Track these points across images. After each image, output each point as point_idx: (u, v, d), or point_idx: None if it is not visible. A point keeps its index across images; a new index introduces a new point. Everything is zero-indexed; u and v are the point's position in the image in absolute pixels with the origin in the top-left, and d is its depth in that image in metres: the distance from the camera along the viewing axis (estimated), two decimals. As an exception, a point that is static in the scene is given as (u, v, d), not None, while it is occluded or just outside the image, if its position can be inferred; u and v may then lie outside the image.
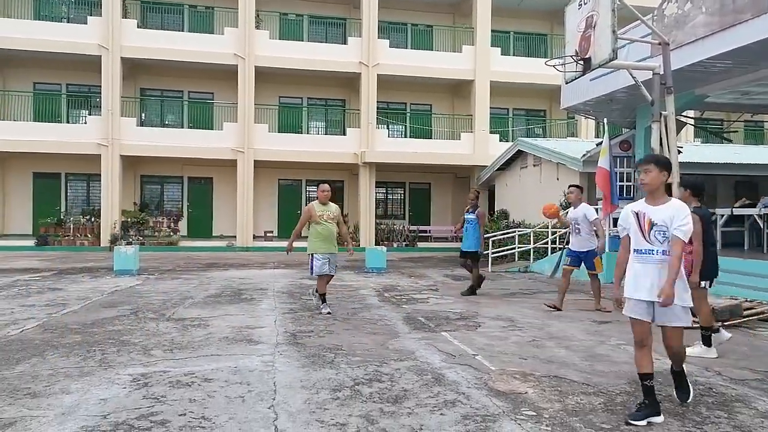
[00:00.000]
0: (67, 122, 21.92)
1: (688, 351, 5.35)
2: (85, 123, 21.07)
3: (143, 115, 22.99)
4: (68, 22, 21.75)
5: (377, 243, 21.21)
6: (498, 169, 20.31)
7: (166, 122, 23.42)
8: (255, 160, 21.48)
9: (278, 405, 4.09)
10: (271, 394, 4.32)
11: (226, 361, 5.27)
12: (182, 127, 22.77)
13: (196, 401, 4.16)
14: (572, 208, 8.51)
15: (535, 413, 3.98)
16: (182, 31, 22.46)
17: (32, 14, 21.65)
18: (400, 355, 5.54)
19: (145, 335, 6.37)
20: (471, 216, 9.73)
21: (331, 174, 23.93)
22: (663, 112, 8.84)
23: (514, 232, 16.03)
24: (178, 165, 22.56)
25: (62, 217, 21.43)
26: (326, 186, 8.13)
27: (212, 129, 22.17)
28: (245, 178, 21.38)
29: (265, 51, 21.52)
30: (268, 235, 22.63)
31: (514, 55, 24.65)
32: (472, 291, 9.81)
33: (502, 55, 23.60)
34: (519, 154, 18.80)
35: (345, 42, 22.96)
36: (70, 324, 6.96)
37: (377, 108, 22.50)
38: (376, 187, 22.73)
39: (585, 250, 8.24)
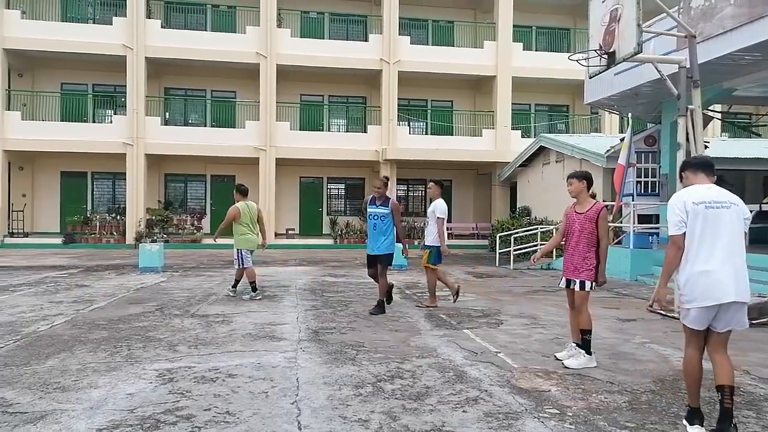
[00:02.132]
0: (93, 122, 22.29)
1: (570, 363, 5.04)
2: (111, 122, 21.41)
3: (167, 114, 23.29)
4: (94, 23, 22.09)
5: (398, 240, 21.20)
6: (520, 166, 20.16)
7: (190, 121, 23.70)
8: (277, 158, 21.62)
9: (301, 401, 4.12)
10: (294, 390, 4.36)
11: (250, 357, 5.33)
12: (205, 126, 23.02)
13: (220, 396, 4.21)
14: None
15: (558, 411, 3.95)
16: (205, 30, 22.70)
17: (59, 16, 22.04)
18: (422, 352, 5.54)
19: (170, 331, 6.47)
20: (382, 209, 7.62)
21: (352, 171, 24.00)
22: (689, 107, 8.69)
23: (536, 228, 15.90)
24: (202, 163, 22.80)
25: (89, 215, 21.82)
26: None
27: (235, 127, 22.36)
28: (267, 175, 21.54)
29: (286, 49, 21.63)
30: (290, 232, 22.77)
31: (536, 50, 24.43)
32: (382, 307, 7.69)
33: (524, 50, 23.40)
34: (541, 150, 18.63)
35: (366, 39, 22.98)
36: (97, 320, 7.10)
37: (398, 105, 22.48)
38: (397, 184, 22.72)
39: (429, 244, 8.12)
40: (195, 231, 21.62)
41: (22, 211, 21.69)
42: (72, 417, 3.78)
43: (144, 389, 4.37)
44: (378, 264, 7.67)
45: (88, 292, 9.50)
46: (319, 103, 24.31)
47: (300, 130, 22.81)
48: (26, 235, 21.19)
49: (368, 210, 7.72)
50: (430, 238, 8.11)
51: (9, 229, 20.86)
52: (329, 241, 21.51)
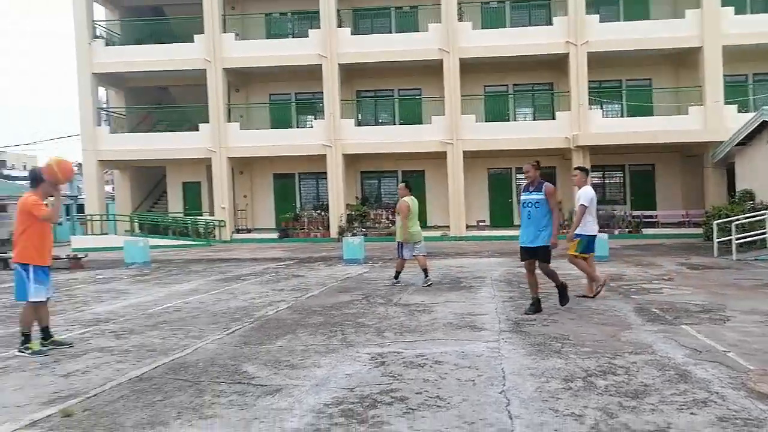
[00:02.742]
0: (297, 127, 24.47)
1: None
2: (312, 127, 23.34)
3: (360, 115, 24.72)
4: (293, 36, 24.22)
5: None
6: (737, 145, 17.77)
7: (380, 120, 24.89)
8: (464, 151, 21.77)
9: (509, 391, 4.11)
10: (500, 380, 4.36)
11: (453, 346, 5.45)
12: (394, 124, 23.98)
13: (429, 381, 4.37)
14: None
15: (813, 421, 3.44)
16: (390, 32, 23.58)
17: (265, 34, 24.54)
18: (635, 348, 5.19)
19: (377, 318, 6.88)
20: (535, 196, 6.86)
21: (541, 160, 23.27)
22: None
23: (763, 214, 13.92)
24: (393, 160, 23.81)
25: (298, 212, 24.10)
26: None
27: (422, 123, 22.95)
28: (455, 169, 21.80)
29: (468, 42, 21.64)
30: (480, 224, 22.81)
31: (752, 12, 21.37)
32: (564, 295, 7.15)
33: (736, 14, 20.61)
34: (765, 126, 16.23)
35: (550, 23, 22.08)
36: (313, 306, 7.82)
37: (588, 88, 21.24)
38: (591, 171, 21.49)
39: (578, 232, 7.74)
40: (390, 224, 22.65)
41: (244, 210, 24.69)
42: (302, 392, 4.21)
43: (360, 371, 4.71)
44: (536, 259, 6.93)
45: (303, 281, 10.52)
46: (503, 93, 23.94)
47: (486, 121, 22.69)
48: (249, 231, 24.09)
49: (521, 198, 7.09)
50: (580, 226, 7.77)
51: (235, 226, 23.85)
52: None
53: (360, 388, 4.27)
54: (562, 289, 7.14)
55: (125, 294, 9.72)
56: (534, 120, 23.31)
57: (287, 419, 3.65)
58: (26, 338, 5.63)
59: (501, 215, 23.68)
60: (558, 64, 22.34)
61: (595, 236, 7.86)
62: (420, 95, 24.10)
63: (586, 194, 7.78)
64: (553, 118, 22.03)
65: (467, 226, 22.11)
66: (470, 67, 22.27)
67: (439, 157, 22.32)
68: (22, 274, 5.58)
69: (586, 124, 20.99)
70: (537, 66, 22.88)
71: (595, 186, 22.27)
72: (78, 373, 4.88)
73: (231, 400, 4.05)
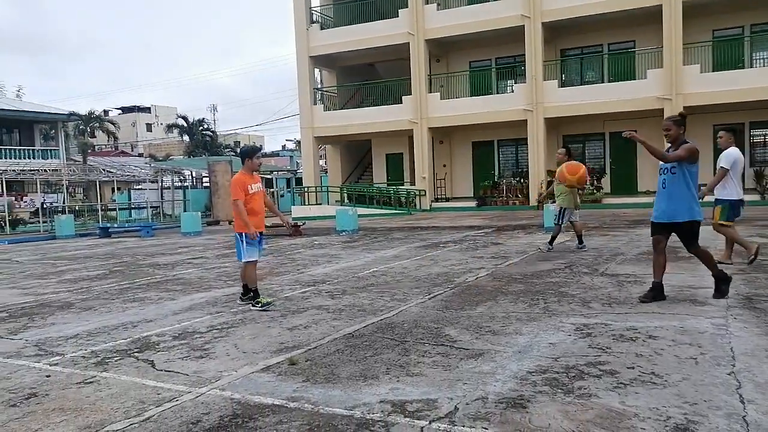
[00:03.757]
0: (497, 93, 24.01)
1: None
2: (512, 92, 22.71)
3: (563, 76, 23.41)
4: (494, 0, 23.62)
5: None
6: None
7: (586, 80, 23.31)
8: (685, 107, 19.41)
9: (740, 373, 3.65)
10: (728, 360, 3.90)
11: (670, 320, 4.99)
12: (602, 82, 22.28)
13: (642, 357, 4.06)
14: None
15: None
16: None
17: (465, 0, 24.28)
18: None
19: (581, 288, 6.56)
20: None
21: None
22: None
23: None
24: (599, 121, 22.24)
25: (496, 180, 23.86)
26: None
27: (634, 79, 20.99)
28: (673, 127, 19.60)
29: (691, -21, 19.13)
30: (701, 189, 20.32)
31: None
32: (723, 289, 5.76)
33: None
34: None
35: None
36: (513, 274, 7.72)
37: None
38: None
39: (720, 197, 7.48)
40: (595, 191, 21.34)
41: (443, 179, 25.17)
42: (504, 358, 4.19)
43: (564, 341, 4.54)
44: (681, 239, 5.89)
45: (502, 249, 10.44)
46: (737, 37, 20.76)
47: (713, 71, 19.97)
48: (447, 200, 24.57)
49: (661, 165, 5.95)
50: (720, 190, 7.47)
51: (435, 195, 24.46)
52: (754, 197, 18.33)
53: (565, 358, 4.12)
54: (720, 280, 5.82)
55: (337, 258, 10.59)
56: (776, 65, 19.95)
57: (490, 383, 3.68)
58: (255, 293, 6.46)
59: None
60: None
61: (740, 201, 7.46)
62: (633, 48, 21.99)
63: (727, 156, 7.42)
64: (804, 61, 18.60)
65: (687, 191, 19.85)
66: (694, 9, 19.68)
67: (654, 116, 20.24)
68: (238, 240, 6.42)
69: None
70: (782, 0, 19.43)
71: None
72: (301, 327, 5.46)
73: (435, 361, 4.19)
